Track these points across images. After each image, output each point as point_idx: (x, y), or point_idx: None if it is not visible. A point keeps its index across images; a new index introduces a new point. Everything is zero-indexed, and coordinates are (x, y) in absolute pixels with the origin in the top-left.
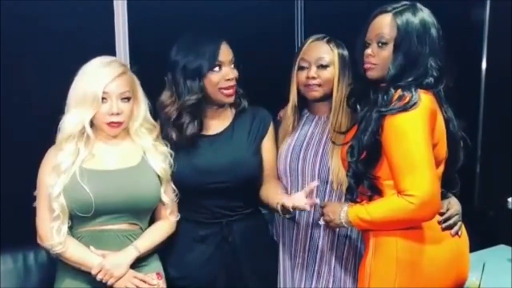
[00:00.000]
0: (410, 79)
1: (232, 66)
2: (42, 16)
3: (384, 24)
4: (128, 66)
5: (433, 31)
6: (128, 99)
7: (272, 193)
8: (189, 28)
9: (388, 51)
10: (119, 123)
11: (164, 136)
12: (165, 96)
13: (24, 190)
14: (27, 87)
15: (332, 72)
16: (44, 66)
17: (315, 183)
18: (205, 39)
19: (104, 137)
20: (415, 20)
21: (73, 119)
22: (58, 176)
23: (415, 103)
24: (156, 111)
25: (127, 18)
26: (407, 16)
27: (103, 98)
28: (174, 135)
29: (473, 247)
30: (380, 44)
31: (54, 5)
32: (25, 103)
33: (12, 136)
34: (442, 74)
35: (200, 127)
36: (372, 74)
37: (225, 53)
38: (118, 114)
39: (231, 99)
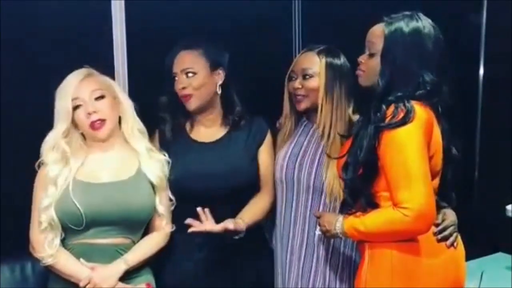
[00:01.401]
0: (400, 94)
1: (188, 74)
2: (40, 19)
3: (375, 34)
4: (127, 77)
5: (428, 43)
6: (102, 97)
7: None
8: (187, 30)
9: (375, 61)
10: (100, 121)
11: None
12: None
13: (22, 199)
14: (25, 92)
15: (317, 82)
16: (43, 68)
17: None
18: (176, 48)
19: (100, 147)
20: (405, 32)
21: (51, 134)
22: (46, 188)
23: (411, 116)
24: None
25: (125, 21)
26: (397, 27)
27: (77, 106)
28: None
29: (472, 255)
30: (369, 54)
31: (52, 9)
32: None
33: (12, 144)
34: (437, 88)
35: (187, 128)
36: (361, 81)
37: (178, 63)
38: (94, 112)
39: (188, 106)
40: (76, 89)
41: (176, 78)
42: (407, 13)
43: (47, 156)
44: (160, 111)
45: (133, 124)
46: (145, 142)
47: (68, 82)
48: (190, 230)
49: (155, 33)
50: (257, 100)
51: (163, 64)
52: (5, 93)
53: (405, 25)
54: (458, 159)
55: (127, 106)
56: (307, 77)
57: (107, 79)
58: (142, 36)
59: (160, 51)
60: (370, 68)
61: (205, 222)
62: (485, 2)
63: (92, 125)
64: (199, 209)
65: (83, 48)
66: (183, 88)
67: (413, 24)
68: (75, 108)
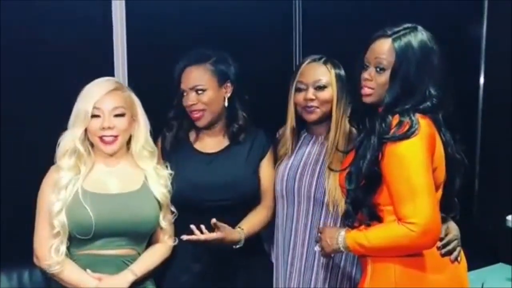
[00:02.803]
0: (407, 106)
1: (197, 92)
2: (40, 20)
3: (383, 49)
4: (127, 79)
5: (434, 58)
6: (122, 115)
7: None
8: (187, 30)
9: (385, 77)
10: (112, 137)
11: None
12: None
13: (21, 208)
14: (26, 99)
15: (330, 93)
16: (43, 69)
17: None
18: (182, 63)
19: (106, 159)
20: (415, 47)
21: (66, 136)
22: (59, 192)
23: (415, 130)
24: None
25: (125, 22)
26: (407, 42)
27: (96, 115)
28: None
29: (472, 266)
30: (378, 69)
31: (52, 10)
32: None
33: (12, 154)
34: (441, 101)
35: (191, 138)
36: (368, 99)
37: (186, 80)
38: (110, 128)
39: (199, 123)
40: (100, 99)
41: (185, 94)
42: (409, 25)
43: (62, 160)
44: (169, 119)
45: (144, 145)
46: (153, 163)
47: (94, 90)
48: (185, 238)
49: (155, 33)
50: (256, 108)
51: (163, 65)
52: (5, 93)
53: (414, 40)
54: (465, 164)
55: (143, 126)
56: (321, 88)
57: (132, 96)
58: (142, 36)
59: (160, 52)
60: (379, 85)
61: (199, 234)
62: (486, 13)
63: (102, 139)
64: (192, 226)
65: (83, 48)
66: (193, 104)
67: (420, 38)
68: (93, 116)
